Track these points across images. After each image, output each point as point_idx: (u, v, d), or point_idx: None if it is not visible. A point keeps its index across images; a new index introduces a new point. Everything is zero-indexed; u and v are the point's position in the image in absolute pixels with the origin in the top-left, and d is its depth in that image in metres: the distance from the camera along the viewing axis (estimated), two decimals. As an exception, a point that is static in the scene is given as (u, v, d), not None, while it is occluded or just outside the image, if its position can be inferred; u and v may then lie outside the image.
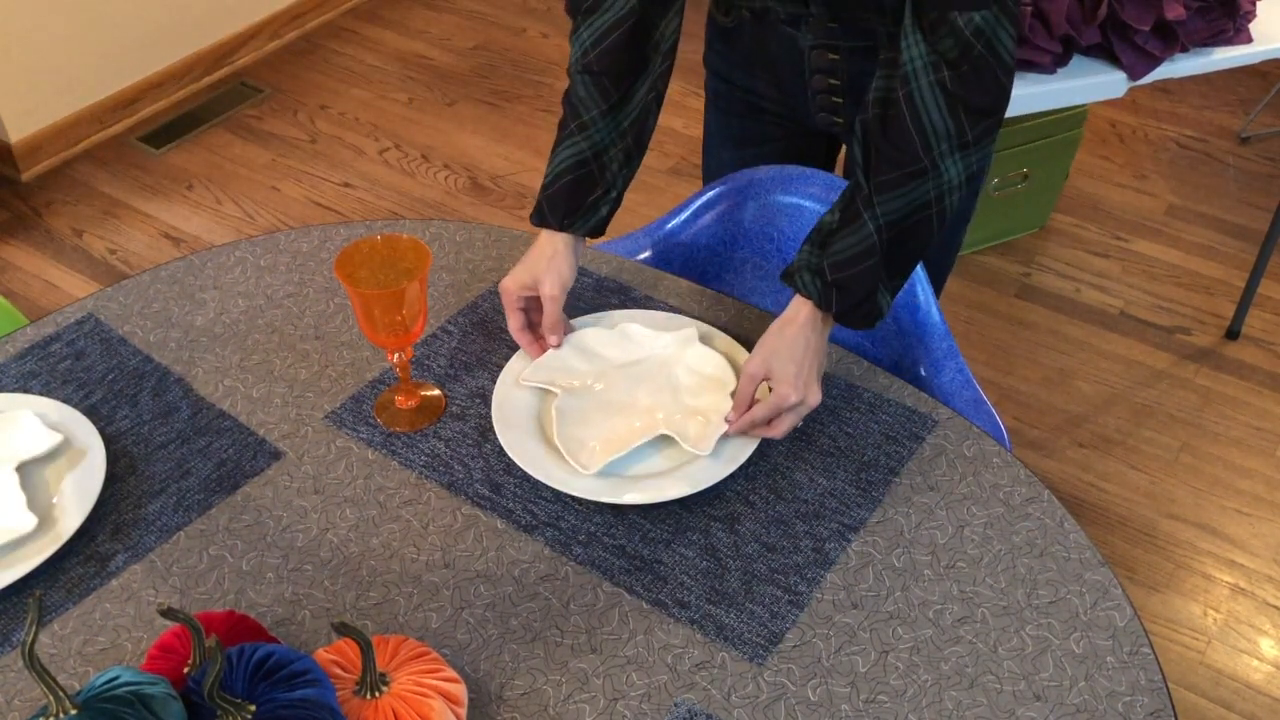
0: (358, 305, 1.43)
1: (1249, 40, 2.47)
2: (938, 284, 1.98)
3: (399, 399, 1.57)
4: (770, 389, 1.47)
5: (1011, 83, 1.41)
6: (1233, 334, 3.20)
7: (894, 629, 1.31)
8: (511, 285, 1.58)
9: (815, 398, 1.47)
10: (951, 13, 1.35)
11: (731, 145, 1.99)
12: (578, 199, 1.61)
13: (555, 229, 1.60)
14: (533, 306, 1.61)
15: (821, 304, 1.47)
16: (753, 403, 1.49)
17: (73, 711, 1.03)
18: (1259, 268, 3.06)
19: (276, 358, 1.65)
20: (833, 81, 1.73)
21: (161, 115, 4.05)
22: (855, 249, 1.44)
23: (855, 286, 1.45)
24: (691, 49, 4.30)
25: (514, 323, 1.60)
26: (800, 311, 1.49)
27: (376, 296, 1.40)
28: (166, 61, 4.06)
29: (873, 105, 1.45)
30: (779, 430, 1.47)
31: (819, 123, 1.83)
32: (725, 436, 1.48)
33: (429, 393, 1.58)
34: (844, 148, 1.97)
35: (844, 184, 1.88)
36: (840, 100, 1.76)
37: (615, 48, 1.59)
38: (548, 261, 1.58)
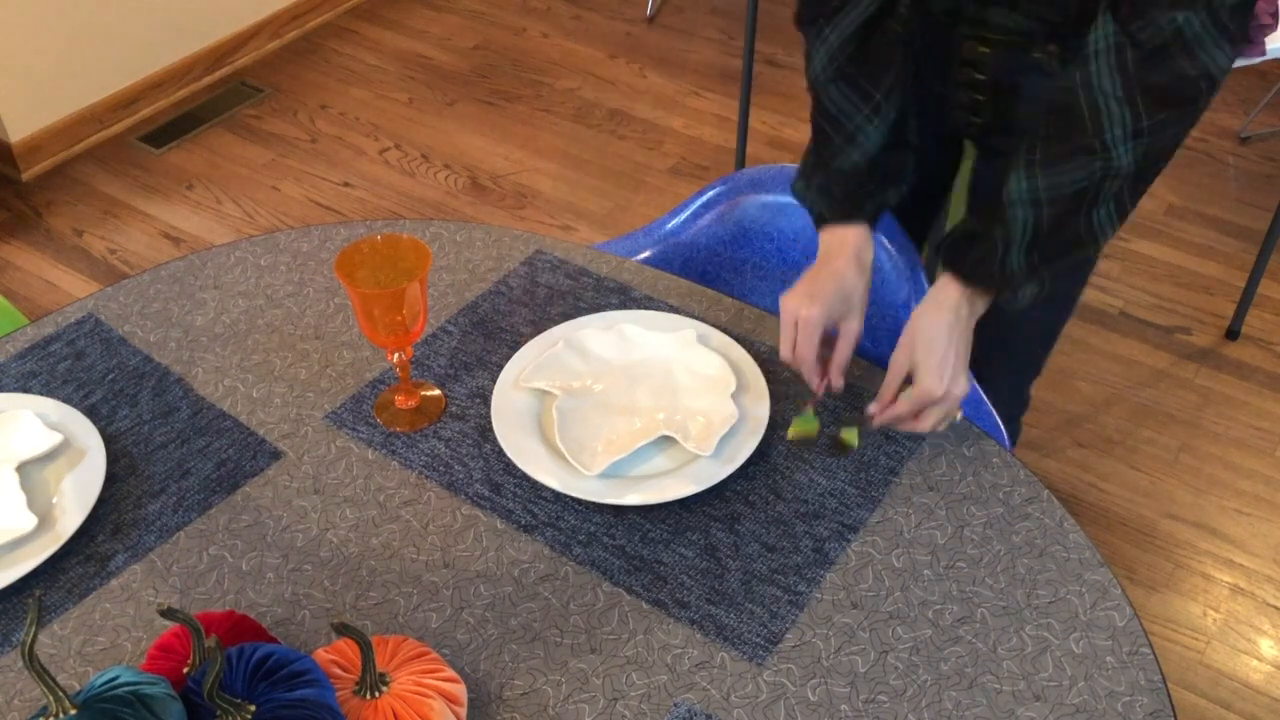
0: (358, 305, 1.43)
1: (1262, 53, 2.45)
2: (1036, 365, 1.96)
3: (399, 399, 1.57)
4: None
5: (1209, 89, 1.31)
6: (1233, 334, 3.20)
7: (894, 629, 1.31)
8: (819, 315, 1.47)
9: (960, 388, 1.41)
10: (1152, 9, 1.27)
11: None
12: (865, 189, 1.55)
13: (853, 219, 1.54)
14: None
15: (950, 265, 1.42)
16: (898, 394, 1.45)
17: (73, 711, 1.03)
18: (1259, 268, 3.07)
19: (276, 358, 1.65)
20: (978, 76, 1.63)
21: (161, 115, 4.05)
22: (999, 219, 1.41)
23: (990, 248, 1.41)
24: (692, 48, 4.31)
25: (810, 354, 1.48)
26: (946, 293, 1.44)
27: (376, 296, 1.40)
28: (166, 61, 4.06)
29: (1047, 104, 1.39)
30: (925, 425, 1.43)
31: (955, 121, 1.73)
32: (869, 429, 1.46)
33: (429, 393, 1.58)
34: (964, 163, 1.91)
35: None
36: (982, 98, 1.66)
37: (867, 46, 1.53)
38: (855, 284, 1.51)
